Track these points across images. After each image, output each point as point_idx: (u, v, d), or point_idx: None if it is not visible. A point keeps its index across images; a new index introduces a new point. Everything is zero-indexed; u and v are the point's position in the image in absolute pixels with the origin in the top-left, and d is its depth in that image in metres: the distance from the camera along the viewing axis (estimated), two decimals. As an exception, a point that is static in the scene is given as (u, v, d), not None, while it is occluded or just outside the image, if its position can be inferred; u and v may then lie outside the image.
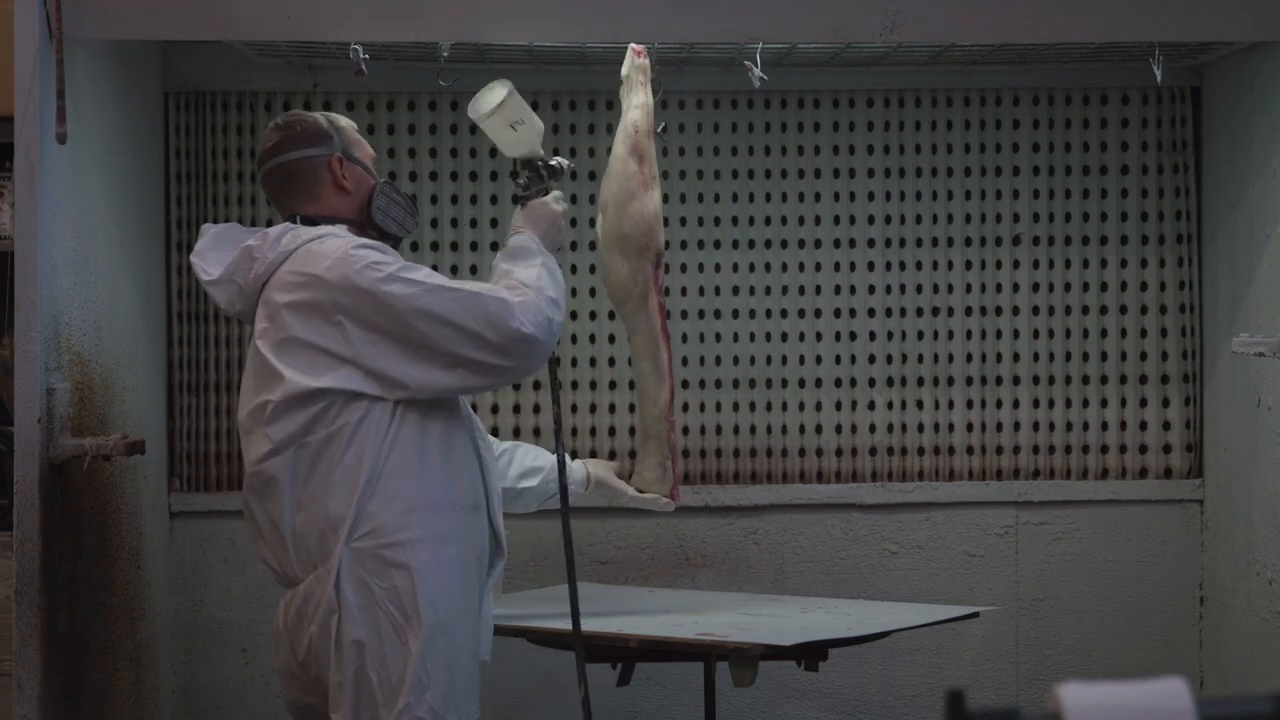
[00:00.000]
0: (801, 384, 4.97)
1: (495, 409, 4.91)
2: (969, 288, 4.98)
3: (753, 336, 4.97)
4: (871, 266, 4.97)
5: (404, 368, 3.29)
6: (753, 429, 4.96)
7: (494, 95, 3.67)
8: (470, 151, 4.89)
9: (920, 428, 4.98)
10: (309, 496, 3.33)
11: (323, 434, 3.30)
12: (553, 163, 3.68)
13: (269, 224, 4.13)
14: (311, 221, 3.47)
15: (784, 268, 4.96)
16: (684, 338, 4.91)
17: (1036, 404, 4.99)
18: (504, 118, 3.67)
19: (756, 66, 4.01)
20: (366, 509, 3.30)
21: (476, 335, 3.30)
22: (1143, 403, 5.00)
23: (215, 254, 3.44)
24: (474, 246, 4.89)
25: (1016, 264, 4.99)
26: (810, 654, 3.87)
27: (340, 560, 3.30)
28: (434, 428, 3.37)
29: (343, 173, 3.50)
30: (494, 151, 4.87)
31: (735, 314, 4.96)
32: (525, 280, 3.40)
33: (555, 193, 3.67)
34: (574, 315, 4.94)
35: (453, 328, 3.29)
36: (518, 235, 3.56)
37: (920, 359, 4.98)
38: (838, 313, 4.97)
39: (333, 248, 3.34)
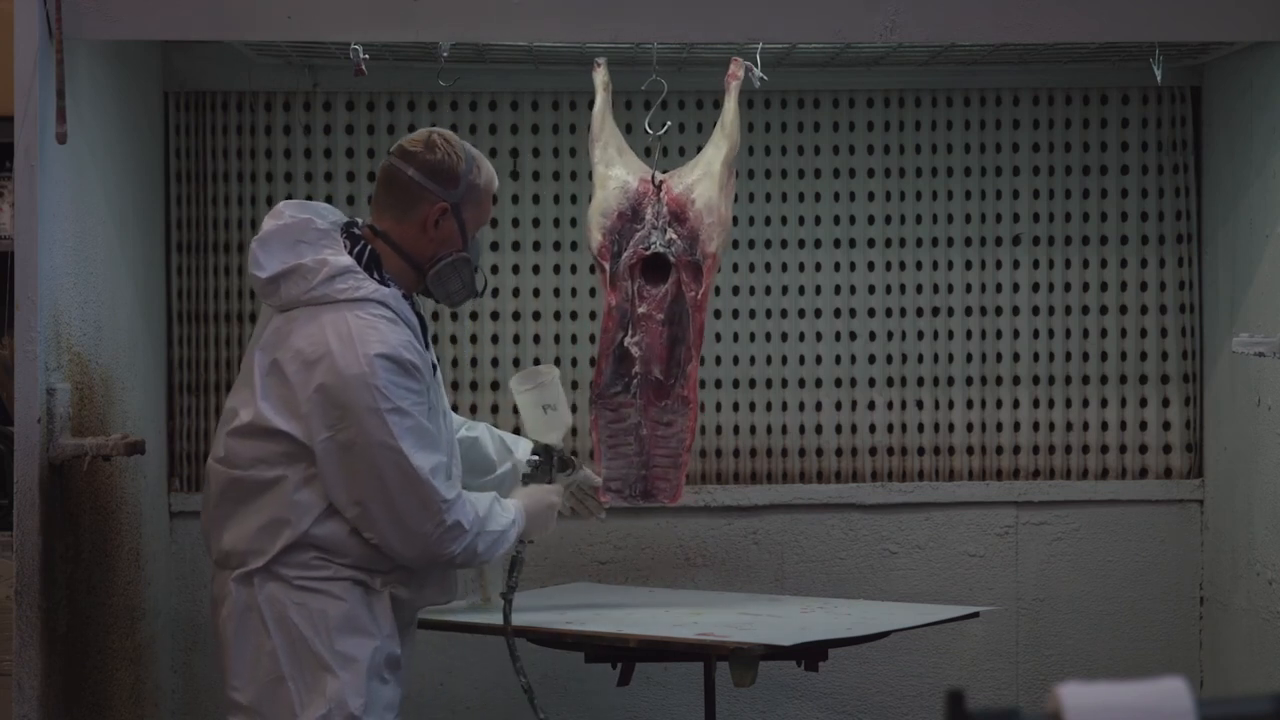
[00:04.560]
0: (801, 384, 4.98)
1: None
2: (969, 288, 4.98)
3: (753, 336, 4.97)
4: (871, 266, 4.97)
5: (327, 471, 3.33)
6: (753, 429, 4.96)
7: (542, 374, 3.85)
8: (470, 151, 4.88)
9: (920, 428, 4.98)
10: (240, 518, 3.40)
11: (265, 475, 3.36)
12: (568, 457, 3.84)
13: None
14: (383, 238, 3.46)
15: (784, 268, 4.96)
16: (684, 338, 4.91)
17: (1036, 404, 4.99)
18: (538, 398, 3.80)
19: (757, 66, 4.02)
20: (289, 555, 3.37)
21: (393, 511, 3.33)
22: (1143, 403, 5.01)
23: (275, 249, 3.40)
24: (474, 246, 4.89)
25: (1016, 264, 4.99)
26: (810, 654, 3.87)
27: (255, 577, 3.38)
28: None
29: (438, 221, 3.47)
30: (494, 151, 4.88)
31: (735, 314, 4.96)
32: (484, 517, 3.45)
33: (559, 486, 3.79)
34: (574, 316, 4.94)
35: (382, 491, 3.32)
36: (513, 502, 3.61)
37: (920, 359, 4.98)
38: (838, 313, 4.97)
39: (364, 339, 3.32)
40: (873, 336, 4.98)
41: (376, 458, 3.30)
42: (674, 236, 4.06)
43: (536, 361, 4.92)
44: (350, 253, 3.42)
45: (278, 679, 3.34)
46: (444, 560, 3.42)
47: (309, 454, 3.33)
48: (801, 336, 4.97)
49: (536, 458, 3.80)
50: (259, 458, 3.37)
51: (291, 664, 3.34)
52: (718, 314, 4.94)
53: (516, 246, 4.92)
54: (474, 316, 4.90)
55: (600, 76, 4.16)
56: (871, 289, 4.97)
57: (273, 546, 3.36)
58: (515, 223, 4.92)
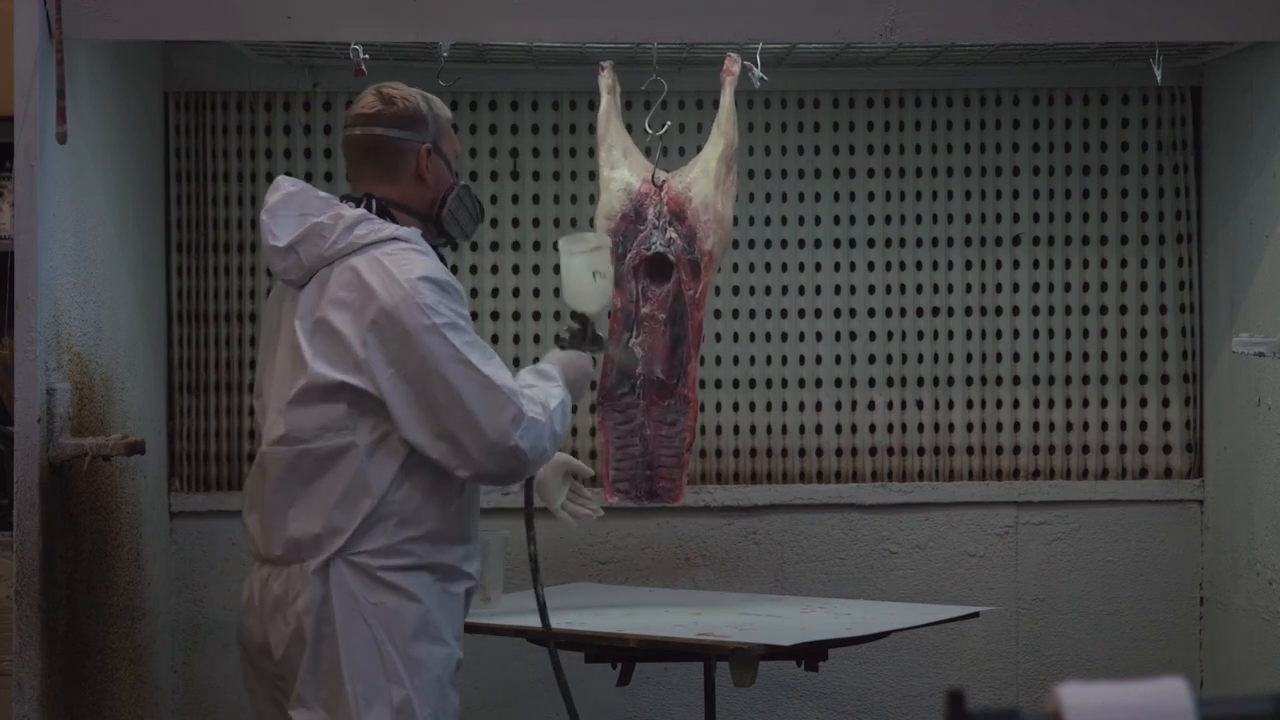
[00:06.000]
0: (801, 384, 4.98)
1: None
2: (969, 288, 4.98)
3: (753, 336, 4.97)
4: (871, 266, 4.97)
5: (401, 410, 3.26)
6: (753, 429, 4.96)
7: (595, 239, 3.78)
8: (470, 151, 4.89)
9: (920, 428, 4.98)
10: (310, 498, 3.30)
11: (333, 443, 3.28)
12: (600, 334, 3.76)
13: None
14: (385, 204, 3.43)
15: (784, 268, 4.96)
16: (684, 338, 4.91)
17: (1036, 404, 4.99)
18: (590, 263, 3.73)
19: (756, 66, 4.02)
20: (370, 530, 3.28)
21: (476, 426, 3.26)
22: (1143, 403, 5.01)
23: (286, 218, 3.37)
24: (474, 247, 4.89)
25: (1016, 264, 4.99)
26: (810, 654, 3.87)
27: (332, 568, 3.28)
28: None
29: (427, 164, 3.45)
30: (494, 151, 4.88)
31: (735, 314, 4.96)
32: (546, 402, 3.39)
33: (590, 357, 3.70)
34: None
35: (460, 407, 3.25)
36: (549, 366, 3.56)
37: (920, 359, 4.98)
38: (838, 313, 4.97)
39: (401, 267, 3.29)
40: (873, 336, 4.98)
41: (448, 374, 3.24)
42: (674, 236, 4.07)
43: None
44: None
45: (339, 680, 3.25)
46: (530, 460, 3.33)
47: (376, 407, 3.26)
48: (801, 336, 4.97)
49: (575, 325, 3.72)
50: (324, 424, 3.28)
51: (359, 666, 3.26)
52: (718, 314, 4.94)
53: (516, 246, 4.92)
54: (474, 316, 4.90)
55: (605, 80, 4.16)
56: (871, 289, 4.97)
57: (352, 521, 3.27)
58: (515, 223, 4.92)
